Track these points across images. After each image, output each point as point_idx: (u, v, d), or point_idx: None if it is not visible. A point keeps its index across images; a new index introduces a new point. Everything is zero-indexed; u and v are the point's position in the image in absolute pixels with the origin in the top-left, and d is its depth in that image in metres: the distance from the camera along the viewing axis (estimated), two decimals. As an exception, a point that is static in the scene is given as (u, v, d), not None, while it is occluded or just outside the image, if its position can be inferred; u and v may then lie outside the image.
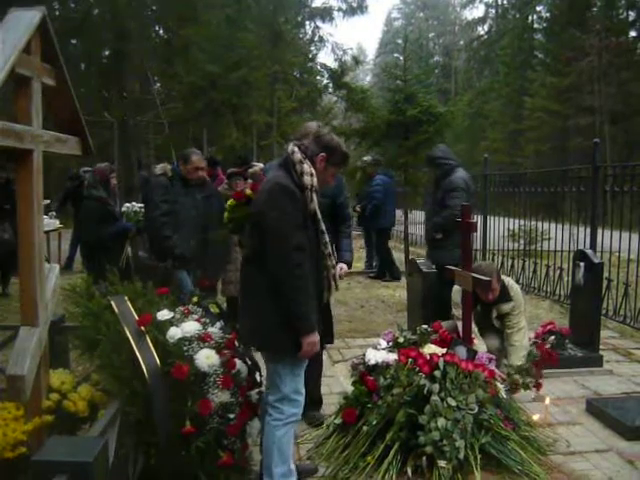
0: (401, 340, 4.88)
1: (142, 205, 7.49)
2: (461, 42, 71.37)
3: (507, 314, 5.80)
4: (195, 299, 4.20)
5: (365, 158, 13.51)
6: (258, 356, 4.02)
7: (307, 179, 3.57)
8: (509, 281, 6.04)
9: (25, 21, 2.95)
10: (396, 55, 62.96)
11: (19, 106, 3.08)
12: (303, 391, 3.69)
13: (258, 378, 4.01)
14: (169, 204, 6.55)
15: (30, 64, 3.06)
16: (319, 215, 3.68)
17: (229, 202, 5.04)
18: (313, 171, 3.63)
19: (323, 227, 3.72)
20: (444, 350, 4.68)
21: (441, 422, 4.21)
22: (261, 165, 10.38)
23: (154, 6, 29.09)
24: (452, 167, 7.18)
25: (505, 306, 5.80)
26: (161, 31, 31.79)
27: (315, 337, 3.51)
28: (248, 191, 4.85)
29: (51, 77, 3.31)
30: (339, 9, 36.58)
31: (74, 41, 27.36)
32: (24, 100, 3.08)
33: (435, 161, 7.33)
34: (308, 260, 3.51)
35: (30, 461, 2.61)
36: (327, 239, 3.75)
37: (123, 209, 7.68)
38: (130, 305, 3.79)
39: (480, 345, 5.55)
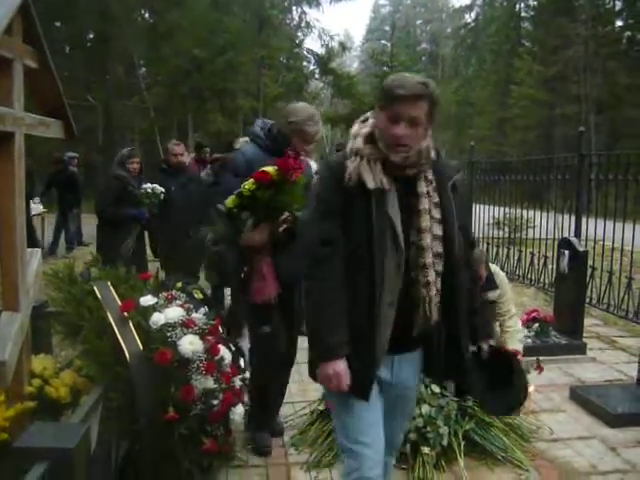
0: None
1: (162, 189, 7.44)
2: (448, 29, 71.45)
3: (494, 302, 5.79)
4: (179, 285, 4.17)
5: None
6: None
7: None
8: (495, 268, 6.00)
9: (7, 2, 2.90)
10: (383, 42, 62.99)
11: (0, 88, 3.03)
12: (365, 439, 2.76)
13: (242, 364, 3.99)
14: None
15: (12, 45, 3.01)
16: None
17: (247, 185, 3.83)
18: None
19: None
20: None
21: (425, 409, 4.22)
22: (246, 139, 10.36)
23: (139, -11, 28.88)
24: None
25: (492, 294, 5.74)
26: (146, 14, 31.60)
27: (331, 368, 2.61)
28: (272, 170, 3.79)
29: (33, 59, 3.26)
30: (326, -6, 36.49)
31: (58, 24, 27.13)
32: (5, 82, 3.02)
33: None
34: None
35: (11, 447, 2.59)
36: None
37: (141, 190, 7.49)
38: (113, 291, 3.76)
39: None
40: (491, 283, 5.75)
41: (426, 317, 2.71)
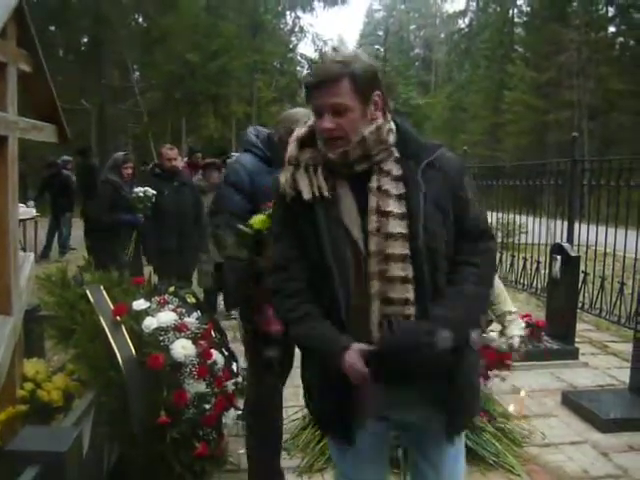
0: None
1: (153, 192, 7.38)
2: (442, 35, 71.59)
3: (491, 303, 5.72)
4: (172, 289, 4.17)
5: None
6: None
7: None
8: None
9: (1, 6, 2.90)
10: (377, 47, 63.17)
11: (-6, 92, 3.04)
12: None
13: (235, 369, 3.99)
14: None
15: (5, 49, 3.02)
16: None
17: None
18: None
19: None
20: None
21: (417, 413, 4.22)
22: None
23: (134, -7, 28.89)
24: None
25: None
26: (140, 19, 31.59)
27: (344, 359, 2.18)
28: None
29: (27, 63, 3.26)
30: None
31: (52, 28, 27.12)
32: (-1, 86, 3.03)
33: None
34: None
35: (3, 451, 2.59)
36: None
37: (132, 194, 7.42)
38: (106, 294, 3.76)
39: None
40: None
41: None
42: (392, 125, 2.30)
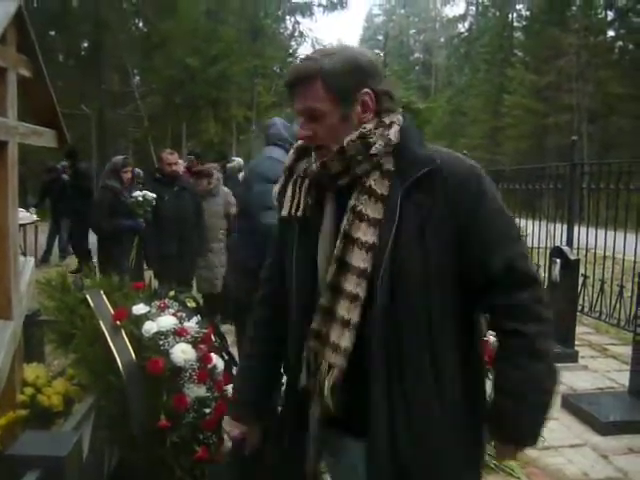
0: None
1: (153, 195, 7.31)
2: (442, 39, 71.74)
3: None
4: (172, 293, 4.18)
5: None
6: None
7: None
8: None
9: (0, 11, 2.91)
10: (377, 51, 63.14)
11: (-6, 97, 3.05)
12: None
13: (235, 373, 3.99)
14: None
15: (5, 55, 3.03)
16: None
17: None
18: None
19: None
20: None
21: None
22: (240, 160, 10.33)
23: (133, -1, 28.98)
24: None
25: None
26: (140, 24, 31.63)
27: (228, 423, 2.32)
28: None
29: (27, 68, 3.27)
30: (319, 4, 36.92)
31: (53, 33, 27.17)
32: (-1, 91, 3.04)
33: None
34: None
35: (3, 455, 2.59)
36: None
37: (131, 199, 7.30)
38: (106, 299, 3.77)
39: None
40: None
41: (322, 396, 1.91)
42: (391, 130, 1.87)
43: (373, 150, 1.84)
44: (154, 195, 7.25)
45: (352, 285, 1.81)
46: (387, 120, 1.89)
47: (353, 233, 1.82)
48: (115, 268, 4.40)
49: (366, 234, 1.81)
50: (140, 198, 7.20)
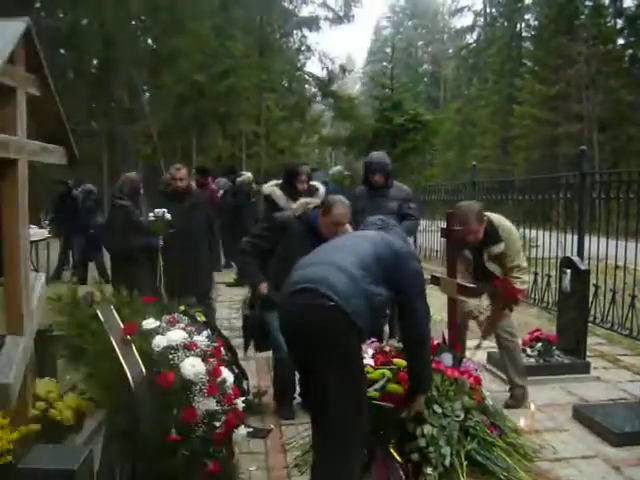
0: (387, 349, 4.80)
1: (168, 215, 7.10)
2: (450, 50, 71.73)
3: (502, 256, 5.49)
4: (182, 308, 4.20)
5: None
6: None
7: None
8: (500, 220, 5.61)
9: (9, 31, 2.96)
10: (385, 64, 63.04)
11: (4, 116, 3.09)
12: None
13: (245, 386, 4.01)
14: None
15: (14, 74, 3.07)
16: None
17: None
18: None
19: None
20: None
21: (427, 429, 4.21)
22: (249, 174, 10.38)
23: (141, 16, 29.11)
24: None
25: (495, 248, 5.45)
26: (149, 41, 31.82)
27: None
28: None
29: (36, 87, 3.32)
30: (325, 18, 37.06)
31: (62, 51, 27.39)
32: (9, 110, 3.09)
33: (388, 167, 7.20)
34: None
35: (15, 469, 2.61)
36: None
37: (150, 217, 7.15)
38: (116, 314, 3.80)
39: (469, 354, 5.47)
40: (493, 236, 5.45)
41: None
42: None
43: None
44: (169, 215, 7.10)
45: None
46: None
47: None
48: (130, 286, 4.33)
49: None
50: (159, 214, 7.01)
